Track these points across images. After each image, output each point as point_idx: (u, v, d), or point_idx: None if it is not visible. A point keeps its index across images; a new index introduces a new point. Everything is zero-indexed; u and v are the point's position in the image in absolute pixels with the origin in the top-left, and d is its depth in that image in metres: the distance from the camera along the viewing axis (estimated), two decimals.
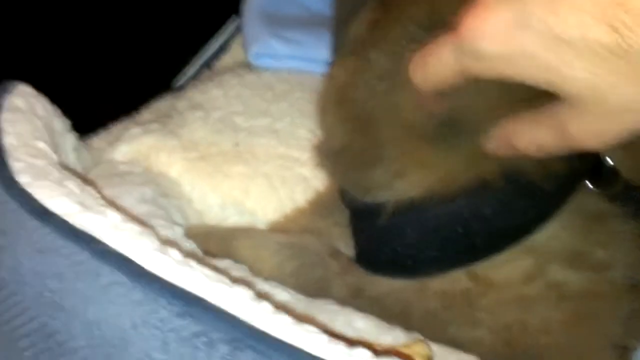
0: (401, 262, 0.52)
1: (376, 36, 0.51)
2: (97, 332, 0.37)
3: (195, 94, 0.78)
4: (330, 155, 0.56)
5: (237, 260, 0.56)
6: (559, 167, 0.46)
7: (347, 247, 0.60)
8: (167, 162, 0.68)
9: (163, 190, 0.63)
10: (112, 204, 0.45)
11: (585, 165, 0.48)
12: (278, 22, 0.84)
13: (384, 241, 0.53)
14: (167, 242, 0.41)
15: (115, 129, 0.75)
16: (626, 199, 0.49)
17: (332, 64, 0.57)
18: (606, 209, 0.49)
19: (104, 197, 0.46)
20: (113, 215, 0.42)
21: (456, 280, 0.50)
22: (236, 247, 0.59)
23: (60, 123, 0.60)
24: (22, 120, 0.52)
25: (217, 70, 0.88)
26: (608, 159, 0.49)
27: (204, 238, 0.59)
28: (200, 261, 0.41)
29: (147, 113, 0.78)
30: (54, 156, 0.50)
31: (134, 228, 0.41)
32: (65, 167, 0.50)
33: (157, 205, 0.59)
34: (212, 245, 0.58)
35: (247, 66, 0.84)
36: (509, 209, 0.48)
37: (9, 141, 0.48)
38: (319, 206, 0.65)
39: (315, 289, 0.56)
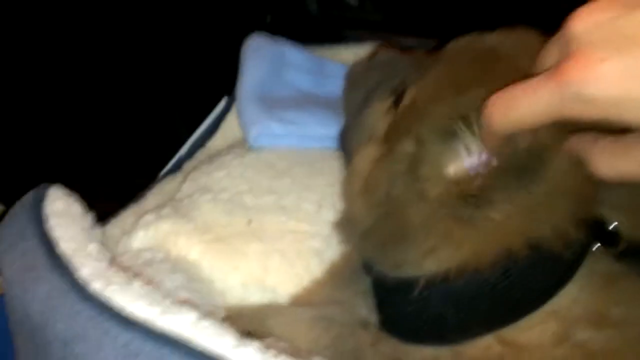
0: (429, 330, 0.56)
1: (398, 126, 0.55)
2: None
3: (200, 177, 0.81)
4: (357, 234, 0.60)
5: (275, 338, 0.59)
6: (576, 234, 0.52)
7: (370, 315, 0.63)
8: (185, 246, 0.71)
9: (190, 275, 0.66)
10: (182, 301, 0.48)
11: (595, 229, 0.54)
12: (273, 104, 0.89)
13: (413, 311, 0.57)
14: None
15: (125, 215, 0.77)
16: (630, 257, 0.55)
17: (354, 154, 0.61)
18: (616, 269, 0.54)
19: (168, 293, 0.49)
20: (189, 314, 0.45)
21: (488, 346, 0.54)
22: (271, 325, 0.61)
23: (89, 219, 0.62)
24: (70, 224, 0.54)
25: (212, 151, 0.91)
26: (611, 221, 0.55)
27: (238, 320, 0.61)
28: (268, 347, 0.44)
29: (153, 198, 0.80)
30: (108, 255, 0.52)
31: (211, 324, 0.44)
32: (120, 265, 0.52)
33: (193, 290, 0.62)
34: (247, 326, 0.61)
35: (242, 146, 0.88)
36: (532, 275, 0.53)
37: (68, 246, 0.50)
38: (337, 277, 0.68)
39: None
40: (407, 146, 0.53)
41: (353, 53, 0.98)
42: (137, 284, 0.48)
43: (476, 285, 0.53)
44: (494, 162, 0.49)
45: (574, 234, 0.51)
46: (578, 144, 0.49)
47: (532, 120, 0.44)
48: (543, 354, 0.53)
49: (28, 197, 0.56)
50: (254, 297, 0.70)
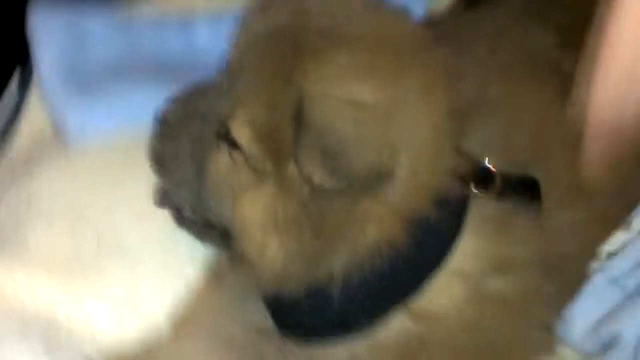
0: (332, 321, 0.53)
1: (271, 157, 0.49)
2: None
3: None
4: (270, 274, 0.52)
5: None
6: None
7: (267, 319, 0.57)
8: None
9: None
10: None
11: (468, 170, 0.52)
12: (85, 81, 0.74)
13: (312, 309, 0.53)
14: None
15: None
16: (510, 195, 0.53)
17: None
18: (503, 210, 0.53)
19: None
20: None
21: (402, 328, 0.52)
22: None
23: None
24: None
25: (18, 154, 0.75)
26: (485, 161, 0.53)
27: None
28: None
29: None
30: None
31: None
32: None
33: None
34: None
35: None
36: (433, 232, 0.51)
37: None
38: (219, 284, 0.61)
39: None
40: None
41: None
42: None
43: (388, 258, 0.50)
44: None
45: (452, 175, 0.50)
46: None
47: None
48: (458, 317, 0.52)
49: None
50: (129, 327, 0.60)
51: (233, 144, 0.50)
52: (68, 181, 0.67)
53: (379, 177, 0.47)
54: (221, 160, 0.51)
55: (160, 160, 0.54)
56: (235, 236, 0.50)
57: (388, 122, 0.46)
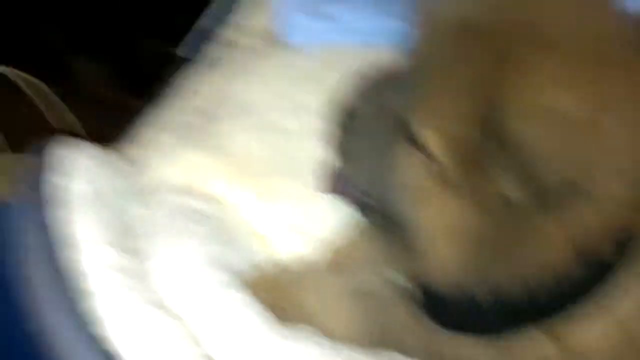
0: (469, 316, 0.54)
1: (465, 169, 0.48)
2: None
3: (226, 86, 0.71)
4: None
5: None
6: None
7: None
8: (219, 186, 0.66)
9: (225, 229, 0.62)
10: None
11: None
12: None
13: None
14: None
15: (145, 131, 0.70)
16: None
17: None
18: None
19: None
20: None
21: (540, 346, 0.51)
22: (304, 299, 0.59)
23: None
24: None
25: (236, 43, 0.78)
26: None
27: (270, 292, 0.58)
28: None
29: (173, 113, 0.72)
30: None
31: None
32: None
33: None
34: (280, 299, 0.58)
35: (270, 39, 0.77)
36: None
37: None
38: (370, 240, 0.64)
39: (386, 340, 0.57)
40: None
41: None
42: None
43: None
44: None
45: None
46: None
47: None
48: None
49: None
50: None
51: (422, 148, 0.49)
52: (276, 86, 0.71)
53: (572, 193, 0.45)
54: (409, 162, 0.50)
55: (346, 152, 0.55)
56: (412, 236, 0.51)
57: (590, 135, 0.44)
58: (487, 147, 0.45)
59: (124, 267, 0.53)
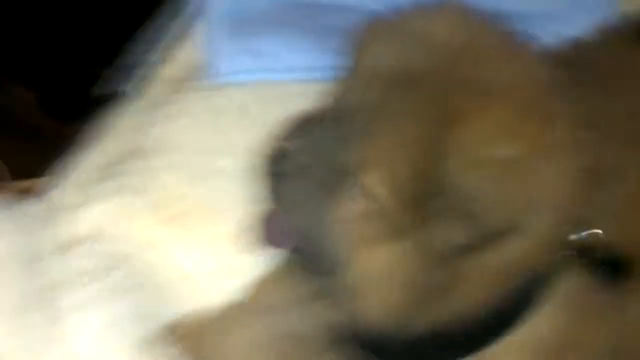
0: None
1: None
2: None
3: (152, 123, 0.70)
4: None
5: None
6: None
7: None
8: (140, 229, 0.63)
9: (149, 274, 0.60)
10: None
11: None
12: (246, 30, 0.75)
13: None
14: None
15: (67, 171, 0.68)
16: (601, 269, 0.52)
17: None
18: (590, 284, 0.52)
19: None
20: None
21: None
22: (230, 348, 0.58)
23: None
24: None
25: (168, 81, 0.76)
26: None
27: (195, 341, 0.57)
28: None
29: (96, 151, 0.70)
30: None
31: None
32: None
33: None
34: (205, 347, 0.57)
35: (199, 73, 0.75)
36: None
37: None
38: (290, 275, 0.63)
39: None
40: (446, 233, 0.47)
41: None
42: None
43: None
44: None
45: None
46: None
47: None
48: None
49: None
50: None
51: (363, 193, 0.48)
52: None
53: (509, 230, 0.46)
54: (348, 208, 0.50)
55: (279, 196, 0.54)
56: (347, 281, 0.50)
57: (528, 178, 0.45)
58: (429, 193, 0.46)
59: None
